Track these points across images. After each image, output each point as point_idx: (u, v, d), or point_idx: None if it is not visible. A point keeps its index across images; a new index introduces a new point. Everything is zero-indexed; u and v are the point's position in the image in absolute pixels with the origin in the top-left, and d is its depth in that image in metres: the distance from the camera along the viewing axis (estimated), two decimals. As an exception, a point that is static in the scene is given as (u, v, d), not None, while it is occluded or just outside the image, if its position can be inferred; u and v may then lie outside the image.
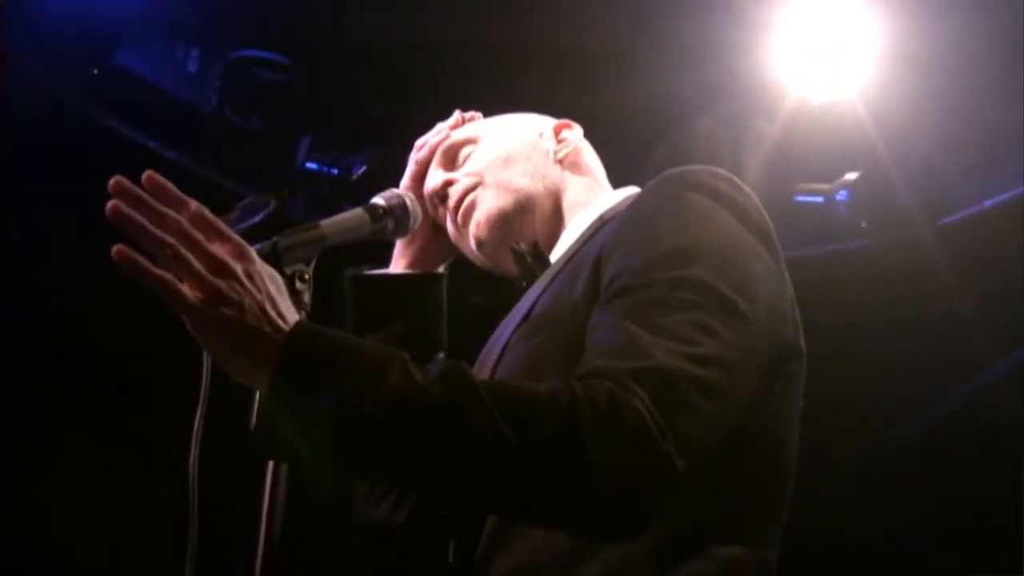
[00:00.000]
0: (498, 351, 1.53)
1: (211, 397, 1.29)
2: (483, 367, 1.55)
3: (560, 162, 1.78)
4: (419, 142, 1.89)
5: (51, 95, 3.29)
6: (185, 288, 1.14)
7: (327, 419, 1.14)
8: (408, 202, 1.65)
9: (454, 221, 1.78)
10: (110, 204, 1.13)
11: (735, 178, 1.47)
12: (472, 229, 1.74)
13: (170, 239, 1.14)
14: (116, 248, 1.11)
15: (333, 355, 1.17)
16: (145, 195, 1.16)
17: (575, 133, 1.83)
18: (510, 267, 1.74)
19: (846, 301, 3.56)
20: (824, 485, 3.90)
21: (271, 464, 1.25)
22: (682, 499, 1.23)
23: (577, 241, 1.63)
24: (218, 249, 1.18)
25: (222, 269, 1.17)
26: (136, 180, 1.18)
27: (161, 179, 1.20)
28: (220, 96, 3.45)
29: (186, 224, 1.17)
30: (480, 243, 1.74)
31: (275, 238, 1.38)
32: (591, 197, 1.75)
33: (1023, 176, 3.45)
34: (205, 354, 1.27)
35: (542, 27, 3.25)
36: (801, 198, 3.65)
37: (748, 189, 1.47)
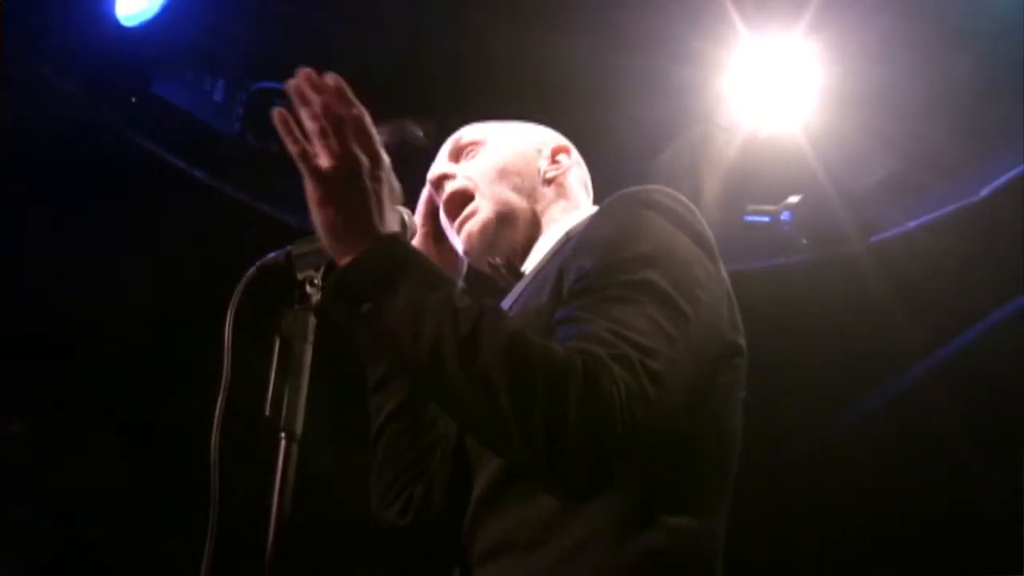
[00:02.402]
0: None
1: (231, 386, 1.29)
2: None
3: (549, 182, 1.76)
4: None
5: (97, 120, 3.31)
6: (319, 160, 1.23)
7: (375, 312, 1.20)
8: (405, 217, 1.65)
9: (447, 212, 1.77)
10: (294, 81, 1.25)
11: (681, 196, 1.48)
12: (463, 237, 1.73)
13: (325, 123, 1.23)
14: (278, 110, 1.23)
15: (400, 264, 1.23)
16: (322, 84, 1.26)
17: (570, 158, 1.80)
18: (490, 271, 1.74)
19: (789, 307, 3.58)
20: (803, 483, 3.84)
21: (283, 443, 1.25)
22: (637, 474, 1.25)
23: (547, 255, 1.63)
24: (359, 147, 1.25)
25: (353, 160, 1.24)
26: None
27: (344, 84, 1.27)
28: (242, 122, 3.46)
29: (347, 118, 1.25)
30: (467, 251, 1.74)
31: (289, 247, 1.38)
32: (566, 216, 1.74)
33: (944, 200, 3.49)
34: (226, 348, 1.28)
35: (517, 63, 3.28)
36: (750, 218, 3.67)
37: (692, 205, 1.48)
